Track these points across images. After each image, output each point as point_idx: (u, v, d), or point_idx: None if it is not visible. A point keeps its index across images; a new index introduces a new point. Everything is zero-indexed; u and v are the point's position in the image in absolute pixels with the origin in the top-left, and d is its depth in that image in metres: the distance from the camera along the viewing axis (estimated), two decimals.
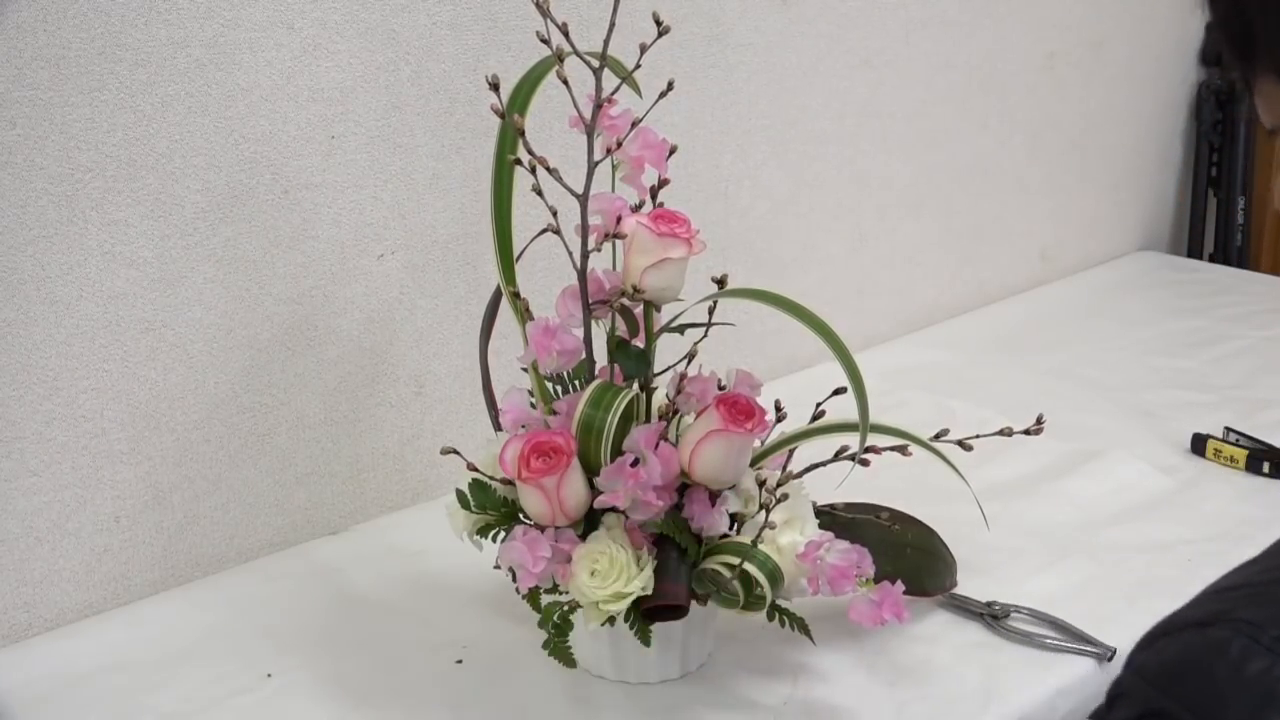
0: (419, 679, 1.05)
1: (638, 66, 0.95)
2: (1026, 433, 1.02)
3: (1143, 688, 0.57)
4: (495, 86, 0.93)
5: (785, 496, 0.92)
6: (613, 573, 0.91)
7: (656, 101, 0.96)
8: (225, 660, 1.08)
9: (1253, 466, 1.34)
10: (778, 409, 1.01)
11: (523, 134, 0.94)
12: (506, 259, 0.99)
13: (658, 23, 0.93)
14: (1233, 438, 1.38)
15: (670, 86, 0.97)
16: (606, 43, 0.94)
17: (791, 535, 0.95)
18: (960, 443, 0.99)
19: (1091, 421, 1.46)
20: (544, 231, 0.96)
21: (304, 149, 1.18)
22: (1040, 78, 1.90)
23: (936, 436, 1.00)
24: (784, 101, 1.56)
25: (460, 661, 1.07)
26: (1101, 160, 2.08)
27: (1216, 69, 2.19)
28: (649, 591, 0.92)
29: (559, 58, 0.92)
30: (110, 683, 1.06)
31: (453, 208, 1.30)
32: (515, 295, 0.99)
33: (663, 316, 0.99)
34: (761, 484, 0.92)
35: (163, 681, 1.06)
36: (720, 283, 0.97)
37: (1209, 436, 1.39)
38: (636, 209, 0.97)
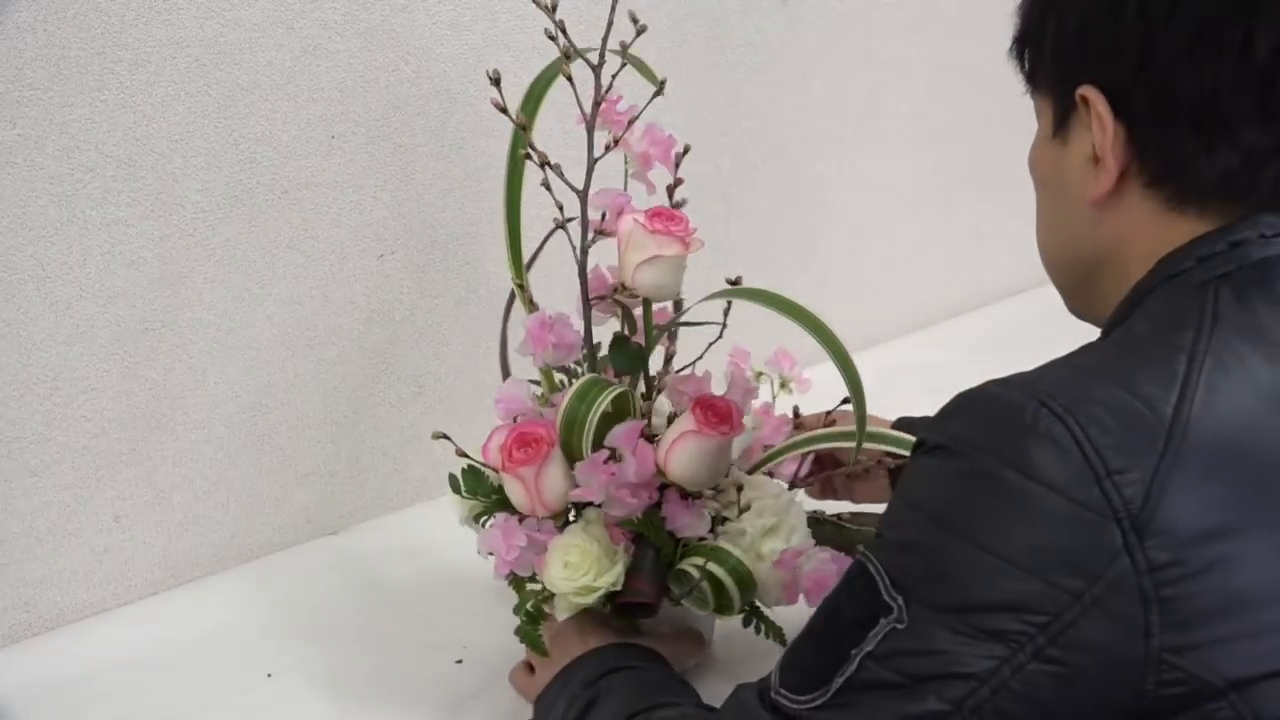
0: (419, 679, 1.05)
1: (623, 66, 0.95)
2: None
3: (925, 431, 0.68)
4: (496, 81, 0.94)
5: (745, 505, 0.92)
6: (584, 566, 0.92)
7: (650, 100, 0.96)
8: (225, 660, 1.08)
9: None
10: (795, 415, 1.02)
11: (525, 129, 0.94)
12: (515, 252, 1.00)
13: (634, 20, 0.94)
14: None
15: (662, 87, 0.96)
16: (605, 40, 0.94)
17: (775, 543, 0.94)
18: None
19: None
20: (555, 230, 0.97)
21: (304, 149, 1.18)
22: None
23: None
24: (784, 101, 1.56)
25: (460, 661, 1.07)
26: None
27: None
28: (618, 587, 0.92)
29: (565, 56, 0.93)
30: (110, 683, 1.06)
31: (453, 208, 1.30)
32: (521, 287, 0.99)
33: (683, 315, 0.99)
34: (736, 488, 0.93)
35: (163, 681, 1.06)
36: (734, 283, 0.97)
37: None
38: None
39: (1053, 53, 0.74)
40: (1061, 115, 0.74)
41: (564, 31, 0.92)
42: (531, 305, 0.99)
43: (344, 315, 1.25)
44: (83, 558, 1.14)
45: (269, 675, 1.06)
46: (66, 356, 1.09)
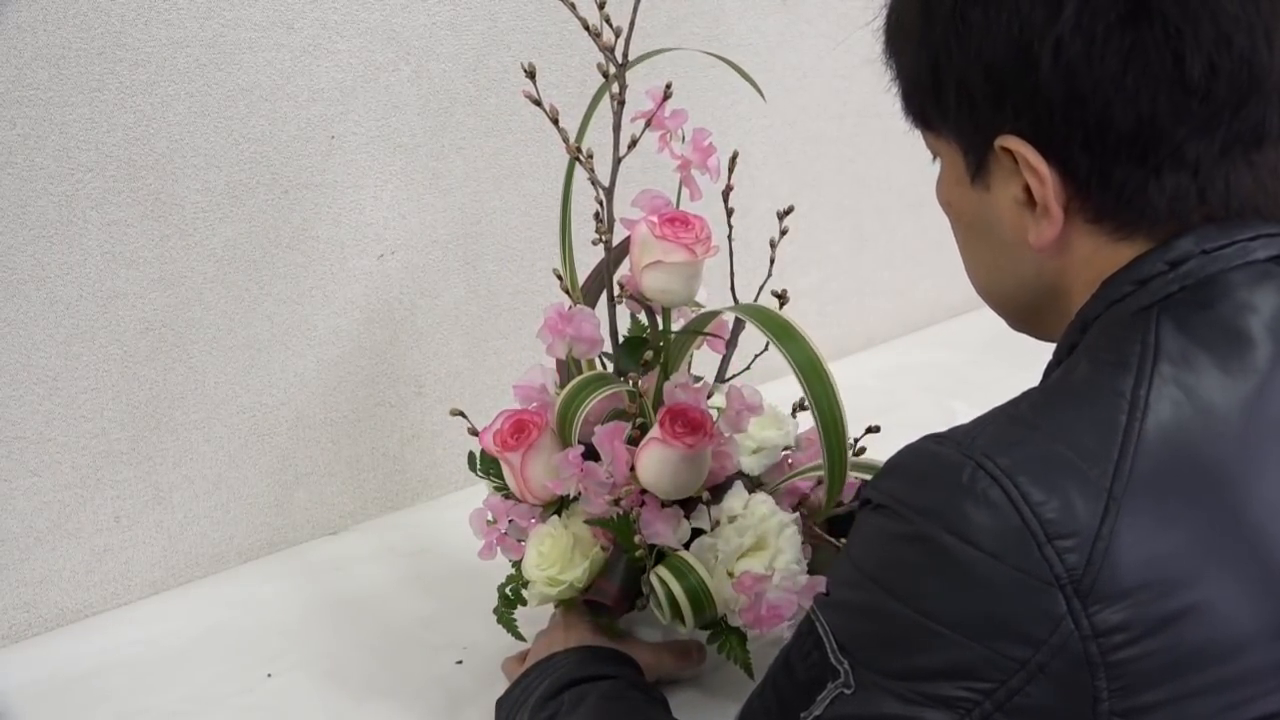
0: (419, 679, 1.05)
1: (625, 65, 0.96)
2: None
3: (869, 488, 0.67)
4: (531, 74, 0.94)
5: (714, 520, 0.91)
6: (552, 557, 0.93)
7: (662, 104, 0.96)
8: (225, 660, 1.08)
9: None
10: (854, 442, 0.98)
11: (556, 121, 0.95)
12: (566, 250, 1.01)
13: (608, 23, 0.95)
14: None
15: (669, 91, 0.97)
16: (628, 41, 0.95)
17: (752, 563, 0.92)
18: None
19: None
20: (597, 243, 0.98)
21: (304, 149, 1.18)
22: None
23: None
24: (784, 101, 1.56)
25: (460, 662, 1.07)
26: None
27: None
28: (582, 584, 0.93)
29: (605, 76, 0.94)
30: (110, 683, 1.06)
31: (453, 208, 1.30)
32: (560, 276, 1.00)
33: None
34: (707, 503, 0.92)
35: (163, 681, 1.06)
36: (780, 297, 0.98)
37: None
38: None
39: (959, 106, 0.70)
40: (978, 164, 0.72)
41: (609, 23, 0.94)
42: (573, 290, 1.00)
43: (344, 315, 1.25)
44: (83, 558, 1.14)
45: (269, 675, 1.06)
46: (66, 356, 1.09)
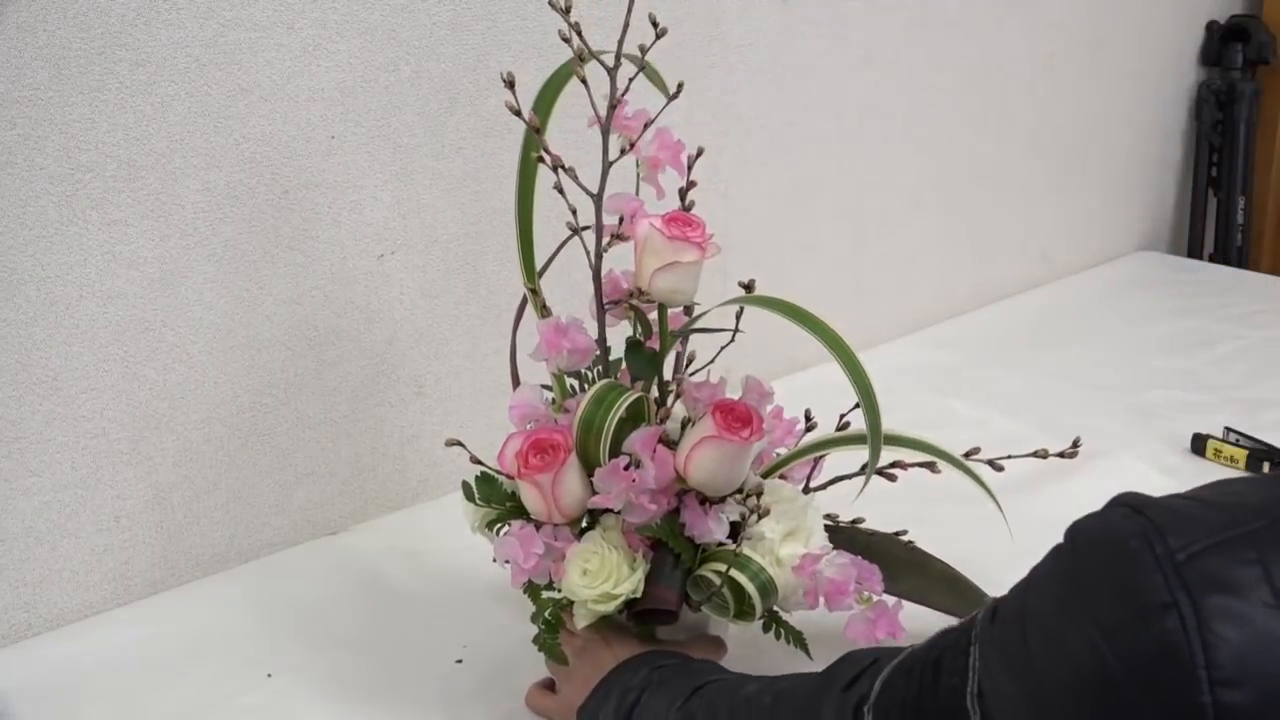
0: (419, 679, 1.05)
1: (641, 69, 0.95)
2: (1062, 455, 1.02)
3: (1065, 545, 0.59)
4: (511, 84, 0.92)
5: (765, 510, 0.91)
6: (602, 573, 0.91)
7: (667, 104, 0.96)
8: (225, 660, 1.08)
9: (1253, 466, 1.34)
10: (807, 419, 1.01)
11: (539, 132, 0.94)
12: (528, 257, 0.99)
13: (654, 24, 0.93)
14: (1233, 438, 1.39)
15: (680, 89, 0.96)
16: (621, 43, 0.94)
17: (793, 547, 0.93)
18: (991, 463, 1.00)
19: (1092, 422, 1.46)
20: (571, 237, 0.96)
21: (304, 149, 1.18)
22: (1040, 78, 1.90)
23: (968, 454, 1.00)
24: (784, 101, 1.57)
25: (460, 661, 1.07)
26: (1101, 160, 2.08)
27: (1216, 69, 2.19)
28: (638, 594, 0.91)
29: (580, 59, 0.92)
30: (110, 683, 1.06)
31: (452, 208, 1.30)
32: (534, 292, 0.99)
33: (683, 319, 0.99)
34: (756, 493, 0.91)
35: (163, 681, 1.06)
36: (747, 287, 0.97)
37: (1209, 436, 1.39)
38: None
39: None
40: None
41: (579, 34, 0.92)
42: (544, 310, 0.98)
43: (344, 315, 1.25)
44: (83, 558, 1.14)
45: (269, 675, 1.06)
46: (66, 356, 1.09)
